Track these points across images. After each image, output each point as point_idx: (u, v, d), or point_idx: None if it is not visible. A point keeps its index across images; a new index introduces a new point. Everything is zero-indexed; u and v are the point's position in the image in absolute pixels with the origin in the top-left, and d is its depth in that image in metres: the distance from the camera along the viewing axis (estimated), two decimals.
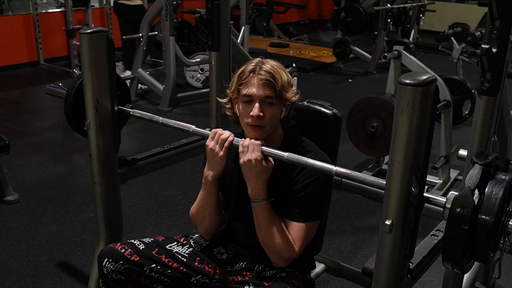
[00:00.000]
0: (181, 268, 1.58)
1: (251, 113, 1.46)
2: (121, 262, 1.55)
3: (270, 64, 1.49)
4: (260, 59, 1.53)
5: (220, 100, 1.60)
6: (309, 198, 1.50)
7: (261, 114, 1.46)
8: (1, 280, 2.35)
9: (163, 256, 1.59)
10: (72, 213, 2.97)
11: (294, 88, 1.53)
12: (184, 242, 1.66)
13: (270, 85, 1.46)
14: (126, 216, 2.64)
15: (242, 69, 1.51)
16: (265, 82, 1.45)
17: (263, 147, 1.47)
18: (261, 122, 1.47)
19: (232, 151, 1.56)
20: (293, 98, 1.52)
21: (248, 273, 1.58)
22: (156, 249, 1.59)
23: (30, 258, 2.53)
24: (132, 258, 1.56)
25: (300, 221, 1.50)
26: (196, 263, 1.60)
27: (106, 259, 1.55)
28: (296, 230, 1.50)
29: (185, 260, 1.60)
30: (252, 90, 1.46)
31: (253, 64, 1.49)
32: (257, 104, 1.46)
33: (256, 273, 1.59)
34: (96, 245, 2.06)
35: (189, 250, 1.63)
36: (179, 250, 1.62)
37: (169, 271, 1.58)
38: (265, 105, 1.47)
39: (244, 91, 1.47)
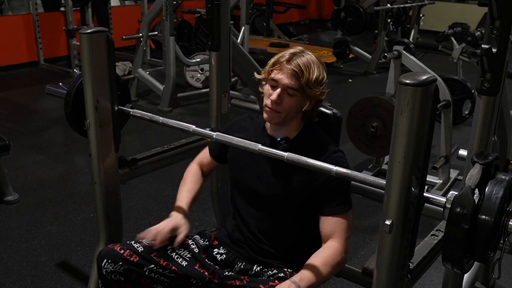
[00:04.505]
0: (179, 272, 1.59)
1: (270, 97, 1.51)
2: (121, 263, 1.55)
3: (306, 58, 1.51)
4: (301, 49, 1.55)
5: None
6: (344, 186, 1.53)
7: (278, 101, 1.50)
8: (1, 280, 2.35)
9: (162, 259, 1.59)
10: (72, 213, 2.97)
11: (323, 87, 1.54)
12: (185, 243, 1.66)
13: (296, 77, 1.49)
14: (126, 216, 2.63)
15: (281, 54, 1.54)
16: (293, 73, 1.49)
17: (263, 147, 1.48)
18: (277, 108, 1.52)
19: (250, 130, 1.61)
20: (319, 97, 1.54)
21: (245, 277, 1.58)
22: (155, 252, 1.59)
23: (30, 258, 2.53)
24: (132, 259, 1.56)
25: (341, 212, 1.52)
26: (196, 267, 1.60)
27: (105, 260, 1.55)
28: (339, 224, 1.52)
29: (184, 264, 1.60)
30: (279, 76, 1.51)
31: (292, 52, 1.53)
32: (278, 90, 1.50)
33: (254, 274, 1.59)
34: (96, 245, 2.06)
35: (189, 254, 1.63)
36: (180, 253, 1.62)
37: (168, 271, 1.58)
38: (286, 94, 1.51)
39: (273, 75, 1.52)
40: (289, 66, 1.49)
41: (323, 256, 1.49)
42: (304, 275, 1.44)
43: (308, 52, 1.54)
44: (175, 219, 1.64)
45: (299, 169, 1.51)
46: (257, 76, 1.63)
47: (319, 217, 1.55)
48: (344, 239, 1.52)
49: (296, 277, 1.43)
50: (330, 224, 1.52)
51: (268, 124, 1.63)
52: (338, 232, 1.52)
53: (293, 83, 1.49)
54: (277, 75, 1.51)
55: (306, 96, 1.52)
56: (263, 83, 1.61)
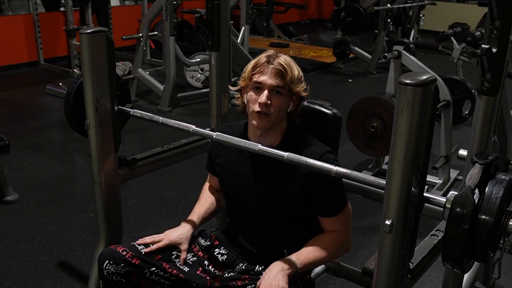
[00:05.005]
0: (181, 275, 1.59)
1: (259, 100, 1.50)
2: (122, 264, 1.55)
3: (283, 57, 1.54)
4: (274, 51, 1.57)
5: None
6: (334, 187, 1.53)
7: (268, 102, 1.49)
8: (1, 280, 2.35)
9: (164, 263, 1.59)
10: (72, 213, 2.97)
11: (304, 84, 1.57)
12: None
13: (281, 75, 1.49)
14: (126, 216, 2.64)
15: (257, 58, 1.54)
16: (277, 72, 1.49)
17: (263, 147, 1.48)
18: (267, 110, 1.50)
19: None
20: (302, 93, 1.56)
21: (246, 276, 1.58)
22: (159, 256, 1.59)
23: (30, 258, 2.53)
24: (133, 261, 1.56)
25: (337, 212, 1.54)
26: (198, 272, 1.61)
27: (107, 261, 1.55)
28: (337, 222, 1.55)
29: (186, 270, 1.60)
30: (263, 78, 1.50)
31: (268, 55, 1.54)
32: (265, 92, 1.50)
33: (255, 274, 1.59)
34: (96, 245, 2.06)
35: (192, 258, 1.63)
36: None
37: (169, 275, 1.58)
38: (273, 94, 1.51)
39: (256, 78, 1.51)
40: (271, 66, 1.50)
41: (323, 240, 1.54)
42: (301, 254, 1.51)
43: (281, 54, 1.56)
44: (178, 234, 1.64)
45: (288, 176, 1.53)
46: (232, 88, 1.63)
47: (317, 216, 1.57)
48: (344, 232, 1.57)
49: (294, 255, 1.49)
50: (328, 223, 1.56)
51: (250, 132, 1.61)
52: (337, 229, 1.56)
53: (279, 81, 1.50)
54: (260, 77, 1.50)
55: (291, 94, 1.54)
56: (237, 96, 1.61)
